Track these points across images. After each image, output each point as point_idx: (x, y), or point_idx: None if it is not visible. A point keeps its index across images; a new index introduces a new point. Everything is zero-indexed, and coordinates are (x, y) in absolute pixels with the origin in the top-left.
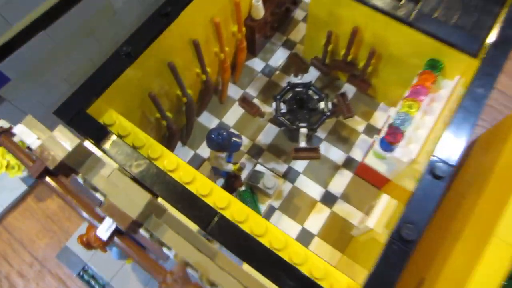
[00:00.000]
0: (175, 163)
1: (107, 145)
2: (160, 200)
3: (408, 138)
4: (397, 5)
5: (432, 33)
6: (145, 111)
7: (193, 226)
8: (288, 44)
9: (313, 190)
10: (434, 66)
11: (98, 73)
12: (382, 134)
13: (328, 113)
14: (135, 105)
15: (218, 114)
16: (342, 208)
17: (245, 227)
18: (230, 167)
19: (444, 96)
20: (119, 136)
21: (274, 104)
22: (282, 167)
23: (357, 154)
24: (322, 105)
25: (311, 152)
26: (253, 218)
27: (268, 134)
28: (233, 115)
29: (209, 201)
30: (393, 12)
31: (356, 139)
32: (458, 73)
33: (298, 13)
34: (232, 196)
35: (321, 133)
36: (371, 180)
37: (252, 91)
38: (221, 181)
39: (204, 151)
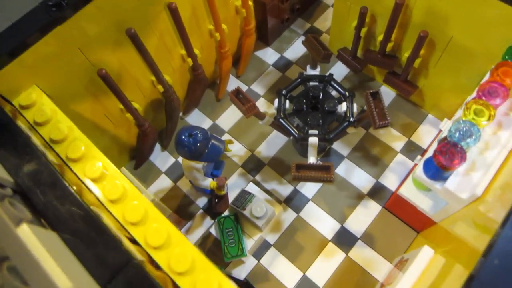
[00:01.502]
0: (100, 170)
1: None
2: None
3: (471, 162)
4: None
5: None
6: (100, 97)
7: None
8: (312, 33)
9: (325, 224)
10: None
11: (13, 30)
12: (430, 152)
13: (351, 119)
14: (81, 85)
15: (211, 113)
16: (362, 254)
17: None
18: (208, 183)
19: None
20: (34, 125)
21: (276, 101)
22: (286, 189)
23: (390, 180)
24: (343, 106)
25: (320, 172)
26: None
27: (272, 144)
28: (231, 116)
29: (137, 233)
30: None
31: (391, 160)
32: None
33: None
34: (174, 228)
35: (342, 148)
36: (406, 219)
37: (258, 88)
38: (203, 200)
39: None
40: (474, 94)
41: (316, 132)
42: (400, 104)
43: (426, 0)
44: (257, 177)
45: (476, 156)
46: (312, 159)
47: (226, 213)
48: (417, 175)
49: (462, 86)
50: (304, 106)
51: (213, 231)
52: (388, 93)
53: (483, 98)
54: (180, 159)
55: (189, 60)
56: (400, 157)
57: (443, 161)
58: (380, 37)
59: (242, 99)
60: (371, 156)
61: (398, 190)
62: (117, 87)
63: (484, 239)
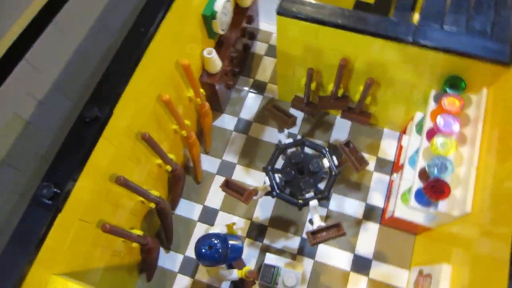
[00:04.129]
0: None
1: None
2: None
3: (449, 183)
4: (391, 22)
5: (445, 48)
6: (105, 244)
7: None
8: (257, 87)
9: (340, 259)
10: (455, 86)
11: (19, 235)
12: (415, 184)
13: (336, 172)
14: (89, 246)
15: (197, 198)
16: (381, 272)
17: None
18: (235, 275)
19: (476, 116)
20: None
21: (267, 179)
22: (294, 242)
23: (376, 199)
24: (326, 162)
25: (332, 231)
26: None
27: (265, 206)
28: (217, 195)
29: None
30: (388, 33)
31: (370, 181)
32: (484, 85)
33: (259, 47)
34: None
35: None
36: (403, 228)
37: (230, 157)
38: (226, 283)
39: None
40: (429, 126)
41: (312, 194)
42: (358, 129)
43: (365, 56)
44: (265, 242)
45: (451, 176)
46: (317, 219)
47: None
48: (411, 206)
49: (409, 105)
50: (292, 173)
51: None
52: (344, 123)
53: (442, 131)
54: (188, 253)
55: (168, 167)
56: (376, 175)
57: (434, 196)
58: (330, 86)
59: (236, 188)
60: (352, 183)
61: (394, 213)
62: (119, 229)
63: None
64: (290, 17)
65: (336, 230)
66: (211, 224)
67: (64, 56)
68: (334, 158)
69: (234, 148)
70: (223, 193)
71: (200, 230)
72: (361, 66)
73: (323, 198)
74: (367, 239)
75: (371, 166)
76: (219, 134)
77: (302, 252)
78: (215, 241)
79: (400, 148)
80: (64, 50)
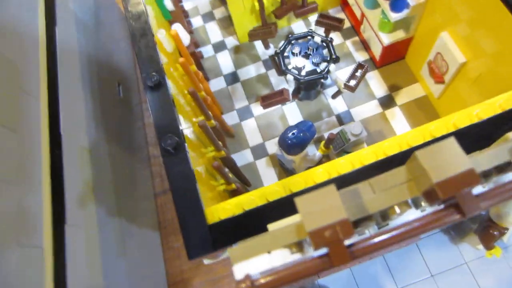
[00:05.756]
0: None
1: None
2: None
3: None
4: None
5: None
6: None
7: None
8: (218, 47)
9: (370, 107)
10: None
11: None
12: (385, 5)
13: (329, 39)
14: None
15: (241, 145)
16: (402, 97)
17: None
18: (318, 153)
19: None
20: None
21: (289, 78)
22: (331, 119)
23: (358, 57)
24: (317, 39)
25: (363, 72)
26: None
27: (291, 112)
28: (252, 134)
29: None
30: None
31: (344, 48)
32: None
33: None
34: None
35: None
36: (393, 57)
37: (241, 103)
38: None
39: (267, 177)
40: None
41: (325, 65)
42: (308, 23)
43: None
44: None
45: None
46: (342, 78)
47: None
48: (394, 17)
49: None
50: (304, 59)
51: None
52: (296, 24)
53: None
54: (266, 184)
55: (212, 122)
56: (347, 42)
57: None
58: None
59: (272, 96)
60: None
61: (374, 55)
62: (224, 170)
63: None
64: None
65: (362, 69)
66: (266, 155)
67: None
68: (320, 32)
69: (238, 95)
70: (258, 129)
71: (261, 165)
72: None
73: (336, 59)
74: (377, 84)
75: (339, 36)
76: (220, 95)
77: (341, 121)
78: (294, 131)
79: (349, 10)
80: None
